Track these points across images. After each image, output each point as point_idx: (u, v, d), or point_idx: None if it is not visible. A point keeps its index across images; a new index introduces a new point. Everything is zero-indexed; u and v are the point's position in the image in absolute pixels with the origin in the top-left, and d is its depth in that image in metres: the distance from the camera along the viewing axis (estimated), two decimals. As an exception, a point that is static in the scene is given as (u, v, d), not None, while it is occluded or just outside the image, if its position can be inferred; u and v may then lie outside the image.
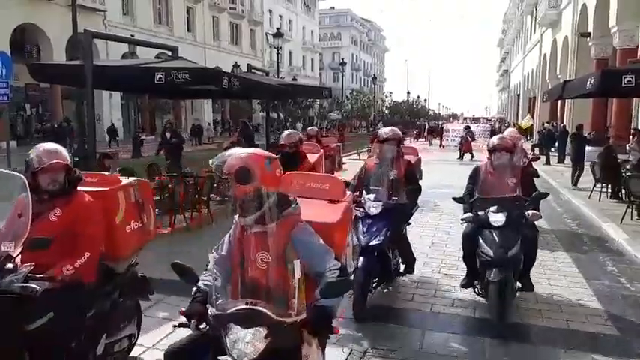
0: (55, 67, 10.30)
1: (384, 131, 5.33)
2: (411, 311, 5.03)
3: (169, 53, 9.32)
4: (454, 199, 4.99)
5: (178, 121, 37.71)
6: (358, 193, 5.11)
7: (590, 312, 5.03)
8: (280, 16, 55.95)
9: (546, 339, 4.41)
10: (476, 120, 45.37)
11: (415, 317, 4.89)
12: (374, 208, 4.90)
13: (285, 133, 6.41)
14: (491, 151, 4.80)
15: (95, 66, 7.50)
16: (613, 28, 17.29)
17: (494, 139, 4.97)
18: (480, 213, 4.63)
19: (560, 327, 4.64)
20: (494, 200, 4.64)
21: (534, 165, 8.34)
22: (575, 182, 13.68)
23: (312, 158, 6.84)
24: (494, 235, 4.47)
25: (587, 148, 16.70)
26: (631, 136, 13.34)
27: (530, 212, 4.61)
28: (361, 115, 56.38)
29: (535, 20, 37.02)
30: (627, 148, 12.46)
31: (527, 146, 27.86)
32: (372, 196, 4.99)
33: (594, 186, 11.67)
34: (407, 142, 33.52)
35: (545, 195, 4.94)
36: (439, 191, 11.18)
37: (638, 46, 15.02)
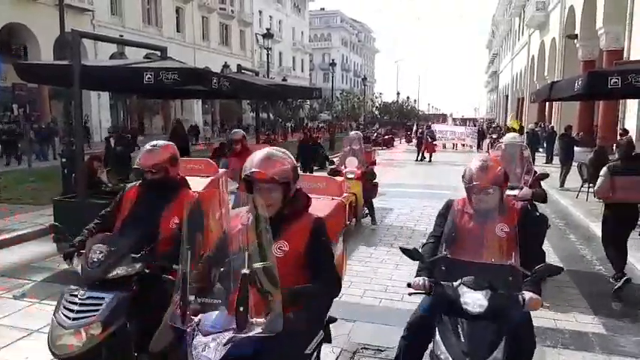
0: (42, 67, 10.17)
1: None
2: (401, 311, 5.04)
3: (158, 53, 9.25)
4: (402, 249, 2.92)
5: (167, 122, 37.57)
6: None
7: (578, 311, 5.09)
8: (270, 16, 55.88)
9: (535, 337, 4.44)
10: (463, 121, 45.43)
11: (405, 317, 4.89)
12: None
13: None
14: (469, 189, 2.95)
15: (83, 66, 7.42)
16: (600, 30, 17.48)
17: (474, 168, 2.92)
18: (446, 284, 2.71)
19: (548, 326, 4.68)
20: (472, 266, 2.74)
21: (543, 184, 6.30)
22: (562, 183, 13.80)
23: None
24: (464, 328, 2.57)
25: (576, 149, 16.88)
26: (618, 137, 13.50)
27: (528, 296, 2.61)
28: (351, 115, 56.46)
29: (523, 22, 37.35)
30: (614, 148, 12.62)
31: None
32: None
33: (582, 186, 11.79)
34: (396, 144, 33.47)
35: (558, 271, 2.77)
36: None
37: (623, 48, 15.20)
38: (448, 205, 3.17)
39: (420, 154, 23.67)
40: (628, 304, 5.30)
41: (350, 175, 8.35)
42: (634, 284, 5.92)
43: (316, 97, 14.63)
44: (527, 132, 22.02)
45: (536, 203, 5.92)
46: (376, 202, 9.61)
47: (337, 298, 5.23)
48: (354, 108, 55.78)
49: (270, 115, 36.87)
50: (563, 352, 4.20)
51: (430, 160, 23.11)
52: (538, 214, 5.84)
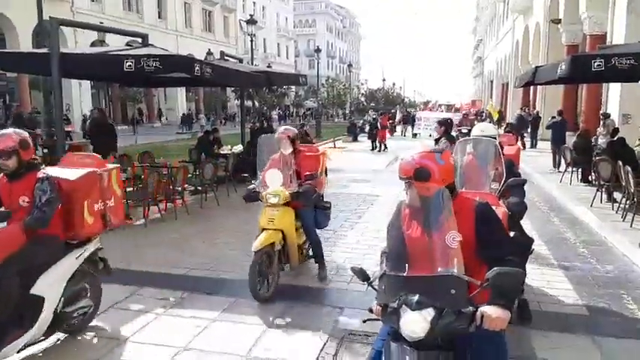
0: (20, 55, 9.98)
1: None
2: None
3: (140, 41, 9.11)
4: (352, 269, 2.65)
5: (151, 110, 37.19)
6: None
7: (562, 293, 5.15)
8: (254, 2, 55.26)
9: (519, 320, 4.49)
10: (449, 108, 45.16)
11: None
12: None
13: None
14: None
15: (62, 54, 7.29)
16: (583, 14, 17.54)
17: (403, 162, 2.49)
18: (391, 306, 2.25)
19: (533, 308, 4.72)
20: (412, 282, 2.25)
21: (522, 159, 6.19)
22: (558, 164, 13.90)
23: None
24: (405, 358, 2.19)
25: (565, 134, 17.01)
26: (601, 121, 13.67)
27: (487, 312, 2.14)
28: (337, 102, 56.34)
29: (507, 7, 37.37)
30: (597, 132, 12.77)
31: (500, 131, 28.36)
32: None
33: (565, 170, 11.93)
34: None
35: (516, 278, 2.26)
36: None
37: (606, 32, 15.29)
38: (398, 210, 2.58)
39: (379, 144, 21.95)
40: (610, 286, 5.38)
41: (272, 200, 5.09)
42: (604, 269, 6.02)
43: (302, 84, 14.55)
44: (515, 117, 22.17)
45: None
46: (362, 188, 9.57)
47: (325, 286, 5.29)
48: (340, 95, 55.61)
49: (256, 103, 36.64)
50: (548, 334, 4.25)
51: (384, 149, 21.58)
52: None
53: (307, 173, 5.36)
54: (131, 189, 8.17)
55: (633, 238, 6.70)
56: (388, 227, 2.57)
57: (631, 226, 7.51)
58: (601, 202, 9.28)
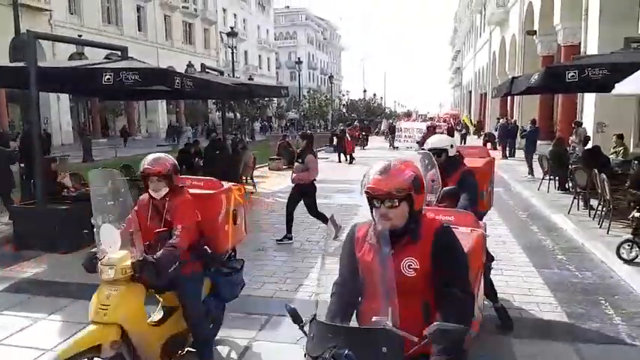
0: (-4, 69, 9.82)
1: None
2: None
3: (119, 53, 9.05)
4: (287, 308, 2.15)
5: (131, 125, 36.85)
6: None
7: (541, 300, 5.22)
8: (235, 14, 55.37)
9: (500, 328, 4.53)
10: (430, 119, 45.52)
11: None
12: None
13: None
14: (368, 200, 2.22)
15: (39, 68, 7.21)
16: (557, 25, 18.00)
17: (374, 168, 2.18)
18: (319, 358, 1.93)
19: (513, 315, 4.77)
20: (340, 333, 1.97)
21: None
22: (531, 172, 14.38)
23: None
24: None
25: (537, 142, 17.40)
26: (573, 129, 14.04)
27: None
28: (319, 114, 56.52)
29: (484, 19, 38.09)
30: (569, 140, 13.09)
31: (474, 142, 28.72)
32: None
33: (543, 178, 12.15)
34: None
35: (459, 333, 1.93)
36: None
37: (580, 43, 15.68)
38: (351, 233, 2.33)
39: (345, 156, 21.24)
40: (588, 292, 5.47)
41: (106, 275, 3.17)
42: (588, 271, 6.13)
43: (283, 96, 14.58)
44: (499, 126, 22.56)
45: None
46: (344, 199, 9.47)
47: (308, 297, 5.27)
48: (322, 106, 55.83)
49: (237, 115, 36.57)
50: (528, 341, 4.30)
51: (351, 162, 20.86)
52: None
53: (158, 231, 3.44)
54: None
55: (610, 244, 6.82)
56: (341, 256, 2.35)
57: (608, 232, 7.65)
58: (578, 209, 9.45)
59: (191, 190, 3.84)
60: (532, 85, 8.09)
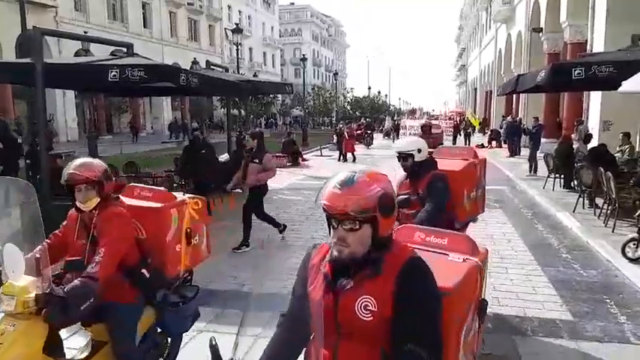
0: (3, 65, 9.88)
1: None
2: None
3: (125, 50, 9.07)
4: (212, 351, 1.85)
5: (137, 120, 36.96)
6: None
7: (546, 298, 5.21)
8: (240, 11, 55.36)
9: (504, 326, 4.54)
10: (434, 117, 45.36)
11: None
12: None
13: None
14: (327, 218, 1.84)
15: (46, 64, 7.23)
16: (564, 23, 17.89)
17: (333, 181, 1.75)
18: None
19: (517, 314, 4.78)
20: None
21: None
22: (535, 170, 14.35)
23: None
24: None
25: (542, 140, 17.37)
26: (574, 127, 14.06)
27: None
28: (323, 111, 56.50)
29: (490, 16, 37.91)
30: (571, 138, 13.09)
31: (478, 140, 28.63)
32: None
33: (548, 176, 12.10)
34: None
35: None
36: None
37: (587, 40, 15.59)
38: (307, 258, 1.96)
39: (345, 155, 20.68)
40: (593, 291, 5.46)
41: (5, 307, 2.47)
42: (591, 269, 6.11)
43: (288, 93, 14.58)
44: (506, 124, 22.55)
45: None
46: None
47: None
48: (326, 103, 55.80)
49: (242, 112, 36.61)
50: (532, 339, 4.30)
51: (354, 160, 20.23)
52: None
53: (68, 259, 2.99)
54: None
55: (615, 243, 6.79)
56: (294, 286, 2.01)
57: (613, 231, 7.62)
58: (583, 207, 9.42)
59: (136, 203, 3.29)
60: (539, 82, 8.06)
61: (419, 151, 4.21)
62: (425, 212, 3.95)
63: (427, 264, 1.79)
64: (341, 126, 23.29)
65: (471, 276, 2.29)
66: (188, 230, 3.45)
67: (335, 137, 22.45)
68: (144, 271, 3.06)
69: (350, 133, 21.44)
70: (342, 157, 20.88)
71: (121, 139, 28.87)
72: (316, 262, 1.88)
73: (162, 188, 3.77)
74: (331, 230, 1.74)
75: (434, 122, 30.89)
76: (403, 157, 4.22)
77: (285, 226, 7.73)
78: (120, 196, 3.21)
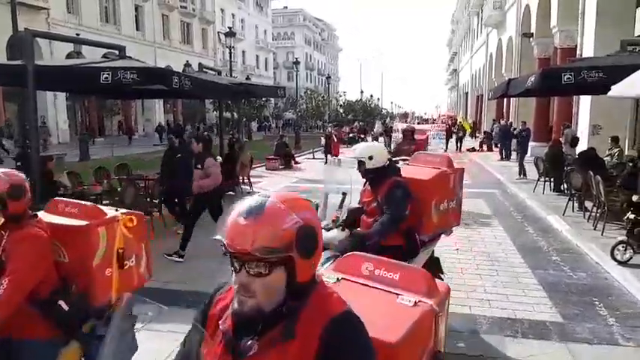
0: (-7, 67, 9.80)
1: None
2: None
3: (117, 52, 9.05)
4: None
5: (128, 121, 36.81)
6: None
7: (536, 301, 5.26)
8: (233, 15, 55.33)
9: (494, 328, 4.58)
10: (424, 120, 45.37)
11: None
12: None
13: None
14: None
15: (37, 66, 7.20)
16: (554, 28, 18.07)
17: (237, 211, 1.27)
18: None
19: (507, 316, 4.82)
20: None
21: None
22: (524, 173, 14.52)
23: None
24: None
25: (532, 144, 17.52)
26: (561, 131, 14.25)
27: None
28: (316, 114, 56.56)
29: (481, 21, 38.20)
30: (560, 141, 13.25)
31: (469, 144, 28.76)
32: None
33: (538, 179, 12.20)
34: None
35: None
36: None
37: (577, 45, 15.76)
38: (207, 304, 1.50)
39: (327, 157, 20.23)
40: (583, 293, 5.51)
41: None
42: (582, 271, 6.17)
43: (281, 96, 14.60)
44: (498, 128, 22.75)
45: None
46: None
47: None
48: (319, 106, 55.85)
49: (234, 115, 36.58)
50: (522, 341, 4.34)
51: (339, 164, 18.98)
52: None
53: None
54: (107, 202, 8.07)
55: (604, 245, 6.87)
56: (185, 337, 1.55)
57: (602, 234, 7.70)
58: (573, 210, 9.50)
59: (58, 220, 2.81)
60: (529, 87, 8.15)
61: (370, 158, 3.98)
62: (379, 224, 3.75)
63: (360, 322, 1.33)
64: (330, 129, 23.03)
65: (423, 323, 1.97)
66: (120, 251, 2.92)
67: (323, 140, 21.91)
68: (61, 302, 2.56)
69: (338, 136, 21.23)
70: (334, 160, 20.58)
71: (113, 142, 28.75)
72: (217, 312, 1.41)
73: (89, 203, 3.19)
74: (233, 274, 1.28)
75: (420, 127, 30.36)
76: (358, 163, 4.08)
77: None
78: (39, 213, 2.74)
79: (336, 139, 20.53)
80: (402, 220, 3.83)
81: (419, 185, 4.01)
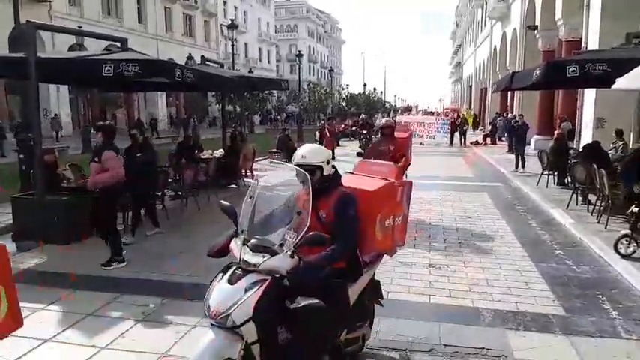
0: (-4, 59, 9.79)
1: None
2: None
3: (119, 45, 9.03)
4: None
5: (131, 115, 36.80)
6: None
7: (538, 293, 5.25)
8: (235, 7, 55.16)
9: (497, 321, 4.57)
10: (429, 114, 45.03)
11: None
12: None
13: None
14: None
15: (40, 58, 7.19)
16: (559, 21, 17.94)
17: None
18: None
19: (510, 309, 4.82)
20: None
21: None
22: (523, 165, 14.66)
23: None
24: None
25: (536, 137, 17.42)
26: (559, 124, 14.20)
27: None
28: (318, 107, 56.46)
29: (485, 13, 37.96)
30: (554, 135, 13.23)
31: (474, 138, 28.67)
32: None
33: (542, 173, 12.16)
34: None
35: None
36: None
37: (582, 38, 15.64)
38: None
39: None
40: (585, 286, 5.50)
41: None
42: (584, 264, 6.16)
43: (283, 89, 14.56)
44: (497, 121, 22.67)
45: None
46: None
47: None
48: (322, 100, 55.73)
49: (237, 107, 36.52)
50: (525, 333, 4.34)
51: (333, 158, 19.03)
52: None
53: None
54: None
55: (608, 239, 6.84)
56: None
57: (605, 227, 7.68)
58: (576, 204, 9.47)
59: None
60: (533, 80, 8.09)
61: (328, 162, 3.32)
62: (330, 255, 3.06)
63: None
64: (323, 122, 21.91)
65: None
66: None
67: (317, 134, 20.82)
68: None
69: (331, 130, 19.91)
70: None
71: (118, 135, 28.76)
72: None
73: None
74: None
75: (410, 119, 28.38)
76: (310, 170, 3.15)
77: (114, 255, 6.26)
78: None
79: (329, 134, 19.35)
80: (356, 246, 3.31)
81: (363, 197, 3.40)
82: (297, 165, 3.20)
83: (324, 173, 3.27)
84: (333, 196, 3.25)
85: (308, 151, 3.33)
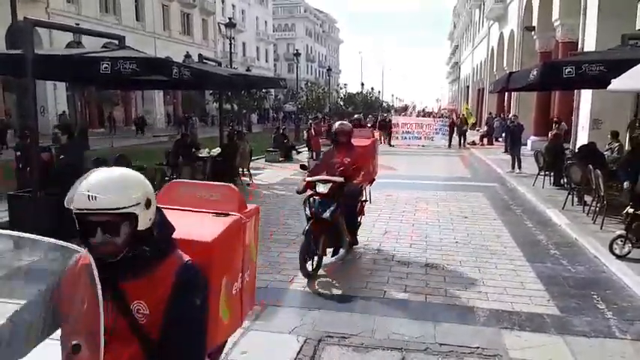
0: (-8, 56, 9.76)
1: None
2: (365, 299, 5.12)
3: (116, 42, 9.02)
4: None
5: (128, 113, 36.77)
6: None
7: (534, 293, 5.27)
8: (233, 5, 55.11)
9: (492, 321, 4.59)
10: (427, 114, 44.86)
11: (369, 304, 4.98)
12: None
13: None
14: None
15: (37, 55, 7.17)
16: (556, 22, 18.00)
17: None
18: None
19: (505, 309, 4.83)
20: None
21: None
22: (519, 165, 14.70)
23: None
24: None
25: (532, 137, 17.46)
26: (553, 126, 14.25)
27: None
28: (316, 106, 56.44)
29: (483, 14, 38.03)
30: (549, 135, 13.27)
31: (473, 138, 28.72)
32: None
33: (538, 173, 12.20)
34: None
35: None
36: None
37: (578, 40, 15.69)
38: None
39: (313, 153, 18.25)
40: (581, 286, 5.53)
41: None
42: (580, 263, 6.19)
43: (281, 87, 14.55)
44: (499, 123, 22.72)
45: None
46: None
47: (302, 288, 5.32)
48: (319, 99, 55.71)
49: (234, 106, 36.50)
50: (520, 333, 4.35)
51: (317, 158, 16.53)
52: None
53: None
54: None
55: (603, 239, 6.87)
56: None
57: (601, 228, 7.71)
58: (572, 204, 9.51)
59: None
60: (530, 81, 8.13)
61: (148, 204, 1.74)
62: None
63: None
64: (311, 122, 21.34)
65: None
66: None
67: (306, 134, 20.29)
68: None
69: (317, 130, 19.32)
70: (313, 155, 17.77)
71: (117, 133, 28.76)
72: None
73: None
74: None
75: (407, 120, 27.35)
76: (101, 223, 1.72)
77: None
78: None
79: (314, 133, 18.66)
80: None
81: (197, 254, 1.97)
82: (79, 212, 1.76)
83: (140, 227, 1.71)
84: (162, 272, 1.75)
85: (101, 185, 1.70)
